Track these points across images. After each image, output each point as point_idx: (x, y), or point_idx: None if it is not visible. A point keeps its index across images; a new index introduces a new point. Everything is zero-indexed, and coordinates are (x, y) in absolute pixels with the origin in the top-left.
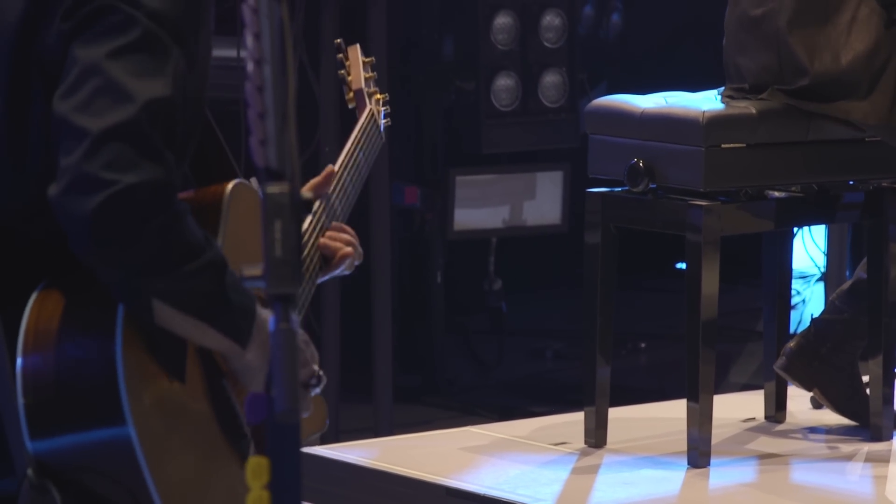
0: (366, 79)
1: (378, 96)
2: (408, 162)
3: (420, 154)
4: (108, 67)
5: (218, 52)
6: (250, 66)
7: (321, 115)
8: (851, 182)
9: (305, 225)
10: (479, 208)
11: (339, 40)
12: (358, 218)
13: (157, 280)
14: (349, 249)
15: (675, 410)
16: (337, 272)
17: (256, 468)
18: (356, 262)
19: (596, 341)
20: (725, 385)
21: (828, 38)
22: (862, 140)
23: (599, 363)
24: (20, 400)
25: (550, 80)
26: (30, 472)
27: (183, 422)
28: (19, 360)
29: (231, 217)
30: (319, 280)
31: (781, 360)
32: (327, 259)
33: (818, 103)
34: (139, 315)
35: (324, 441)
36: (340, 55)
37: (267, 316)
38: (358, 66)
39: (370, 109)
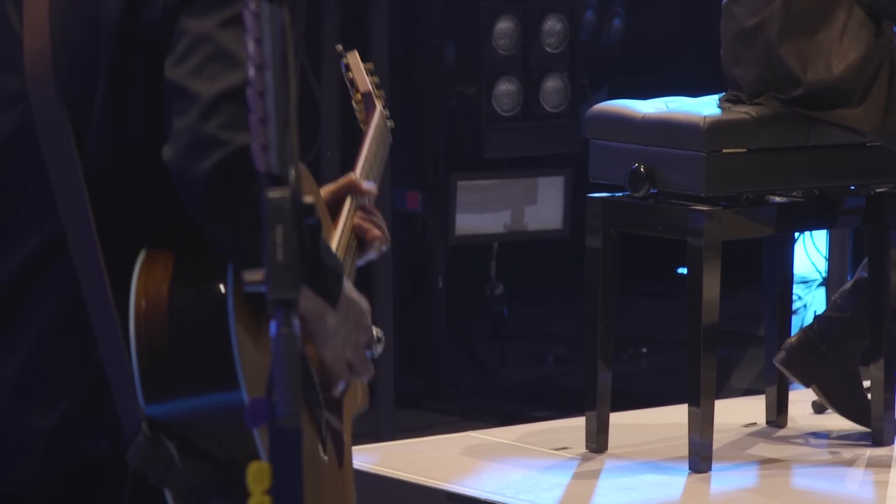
0: (370, 82)
1: (379, 92)
2: (409, 167)
3: (421, 159)
4: (218, 36)
5: None
6: (252, 71)
7: (323, 120)
8: (852, 187)
9: (345, 209)
10: (480, 213)
11: (339, 46)
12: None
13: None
14: (377, 232)
15: (677, 415)
16: (370, 255)
17: (258, 473)
18: (383, 248)
19: (597, 346)
20: (727, 390)
21: (819, 48)
22: (862, 145)
23: (601, 368)
24: (134, 362)
25: (552, 85)
26: (144, 426)
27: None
28: (132, 324)
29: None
30: (359, 262)
31: (781, 355)
32: (361, 241)
33: (813, 111)
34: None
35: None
36: (344, 60)
37: (349, 283)
38: (360, 70)
39: (380, 111)
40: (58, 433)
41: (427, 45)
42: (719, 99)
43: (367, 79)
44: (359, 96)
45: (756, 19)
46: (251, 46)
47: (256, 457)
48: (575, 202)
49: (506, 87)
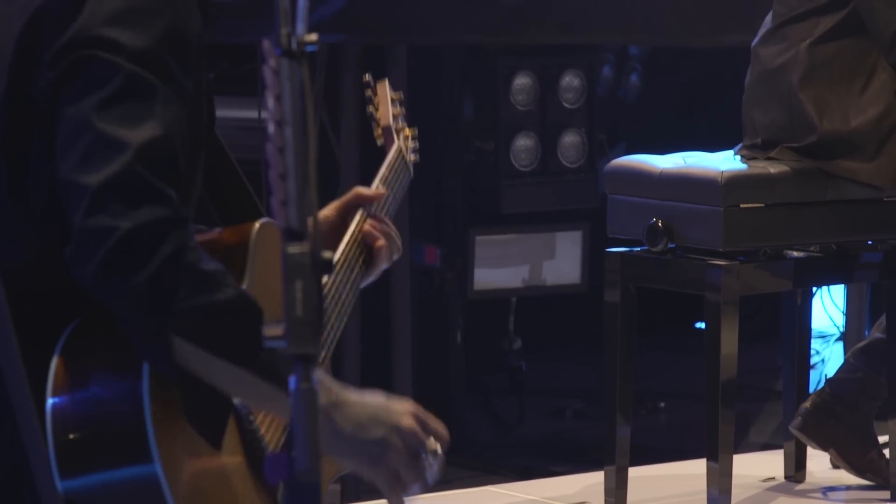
0: (394, 115)
1: (407, 132)
2: (428, 222)
3: (440, 214)
4: (96, 122)
5: (239, 113)
6: (271, 128)
7: (341, 176)
8: (870, 242)
9: (354, 221)
10: (498, 268)
11: (367, 76)
12: (378, 277)
13: (168, 317)
14: (383, 241)
15: (695, 470)
16: (381, 265)
17: None
18: (395, 255)
19: (616, 400)
20: (745, 444)
21: (839, 98)
22: (880, 200)
23: (619, 422)
24: (50, 439)
25: (569, 140)
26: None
27: (212, 463)
28: (49, 401)
29: (259, 256)
30: (371, 276)
31: (797, 421)
32: (370, 250)
33: (825, 161)
34: (162, 367)
35: (345, 499)
36: (368, 91)
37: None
38: (386, 103)
39: (398, 146)
40: None
41: (446, 101)
42: (736, 148)
43: (391, 112)
44: (379, 131)
45: (781, 60)
46: (271, 103)
47: None
48: (593, 257)
49: (524, 143)
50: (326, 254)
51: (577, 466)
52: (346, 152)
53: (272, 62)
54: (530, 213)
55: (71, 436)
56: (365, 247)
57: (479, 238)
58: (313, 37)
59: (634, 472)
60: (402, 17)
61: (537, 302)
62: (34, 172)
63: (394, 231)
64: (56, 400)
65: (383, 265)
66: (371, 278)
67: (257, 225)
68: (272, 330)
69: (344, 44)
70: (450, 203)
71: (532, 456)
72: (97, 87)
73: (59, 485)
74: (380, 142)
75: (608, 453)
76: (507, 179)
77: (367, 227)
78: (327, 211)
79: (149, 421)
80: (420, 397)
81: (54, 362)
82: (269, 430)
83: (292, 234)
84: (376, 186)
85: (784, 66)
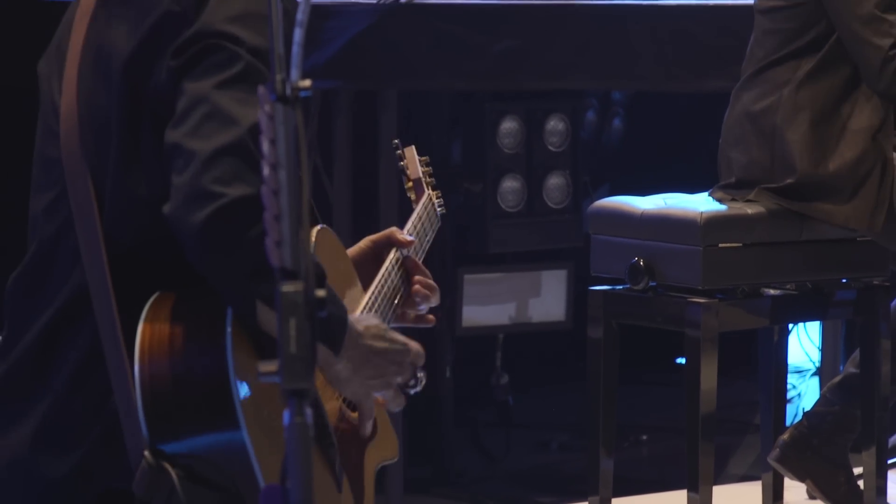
0: (423, 172)
1: (433, 192)
2: None
3: (430, 253)
4: (214, 97)
5: None
6: (266, 171)
7: (334, 218)
8: (844, 280)
9: (388, 258)
10: (486, 305)
11: (396, 141)
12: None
13: (261, 285)
14: (417, 287)
15: (677, 501)
16: (414, 310)
17: None
18: (430, 302)
19: (599, 433)
20: (724, 476)
21: (819, 141)
22: (853, 240)
23: (603, 454)
24: (138, 399)
25: (554, 182)
26: (147, 454)
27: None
28: (136, 364)
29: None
30: (397, 310)
31: (775, 452)
32: (408, 285)
33: (802, 203)
34: (245, 319)
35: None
36: (399, 152)
37: (359, 328)
38: (415, 162)
39: (428, 195)
40: (73, 480)
41: (435, 144)
42: (711, 189)
43: (420, 169)
44: (410, 184)
45: (764, 104)
46: (266, 147)
47: (256, 486)
48: (577, 295)
49: (510, 185)
50: (319, 292)
51: (562, 497)
52: (338, 194)
53: (267, 107)
54: (517, 253)
55: (158, 398)
56: (403, 283)
57: (467, 276)
58: (307, 83)
59: (618, 503)
60: (393, 64)
61: (524, 338)
62: (145, 162)
63: (431, 281)
64: (143, 363)
65: (419, 311)
66: (402, 319)
67: (315, 230)
68: (266, 366)
69: (337, 89)
70: (439, 242)
71: (518, 487)
72: (219, 69)
73: (148, 441)
74: (410, 194)
75: (592, 484)
76: (494, 220)
77: (416, 287)
78: (363, 244)
79: (234, 385)
80: (411, 429)
81: (140, 325)
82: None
83: (286, 274)
84: (412, 222)
85: (767, 109)
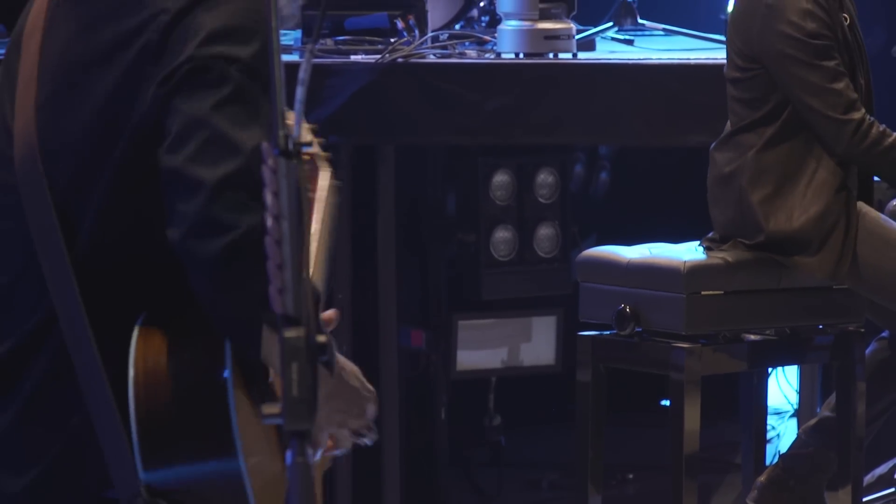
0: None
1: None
2: (414, 307)
3: (425, 300)
4: (212, 120)
5: None
6: (269, 222)
7: (335, 266)
8: (821, 326)
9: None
10: (479, 350)
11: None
12: (367, 359)
13: (266, 311)
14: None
15: None
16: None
17: None
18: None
19: (588, 472)
20: None
21: (784, 200)
22: (830, 287)
23: (591, 492)
24: (134, 430)
25: (544, 232)
26: (143, 491)
27: (280, 453)
28: (131, 393)
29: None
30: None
31: (753, 493)
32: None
33: (774, 255)
34: (245, 348)
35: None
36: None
37: (341, 361)
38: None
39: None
40: (28, 496)
41: (430, 196)
42: (700, 241)
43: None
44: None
45: (732, 167)
46: (269, 199)
47: None
48: (566, 340)
49: (502, 235)
50: (321, 338)
51: None
52: (339, 243)
53: (270, 162)
54: (509, 300)
55: (154, 427)
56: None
57: (461, 322)
58: (308, 138)
59: None
60: (390, 120)
61: (515, 381)
62: (127, 186)
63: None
64: (139, 391)
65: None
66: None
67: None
68: (269, 408)
69: (336, 144)
70: (434, 290)
71: None
72: (211, 90)
73: (142, 475)
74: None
75: None
76: (487, 268)
77: None
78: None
79: (233, 413)
80: (407, 469)
81: (133, 352)
82: None
83: (289, 320)
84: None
85: (735, 171)
